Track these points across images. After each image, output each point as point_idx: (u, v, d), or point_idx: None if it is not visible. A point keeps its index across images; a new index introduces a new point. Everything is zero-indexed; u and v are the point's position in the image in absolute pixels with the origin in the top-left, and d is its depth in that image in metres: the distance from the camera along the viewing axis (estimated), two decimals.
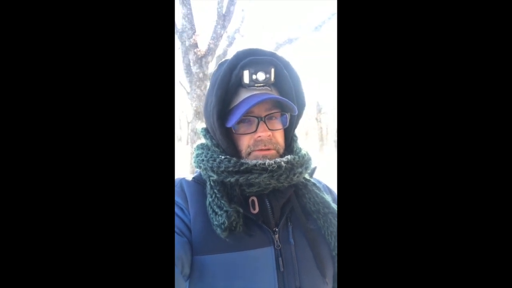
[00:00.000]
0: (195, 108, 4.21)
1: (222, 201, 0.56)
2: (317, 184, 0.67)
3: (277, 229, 0.58)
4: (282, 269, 0.55)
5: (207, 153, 0.62)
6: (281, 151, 0.62)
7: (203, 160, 0.61)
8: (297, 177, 0.60)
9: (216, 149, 0.62)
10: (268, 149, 0.59)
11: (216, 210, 0.55)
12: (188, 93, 4.25)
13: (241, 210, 0.56)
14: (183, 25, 4.14)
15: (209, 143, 0.64)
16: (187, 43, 4.10)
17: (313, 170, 0.67)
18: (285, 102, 0.58)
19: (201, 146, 0.66)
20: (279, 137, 0.62)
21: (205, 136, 0.65)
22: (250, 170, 0.57)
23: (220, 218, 0.54)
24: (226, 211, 0.54)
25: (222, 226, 0.53)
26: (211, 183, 0.59)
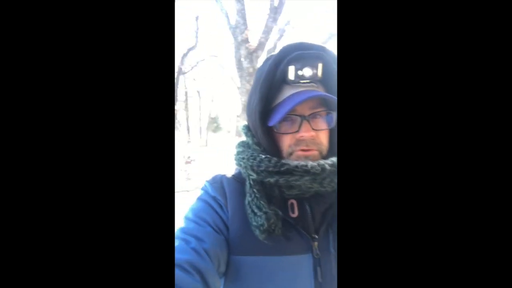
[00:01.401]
0: (244, 103, 4.31)
1: (262, 202, 0.54)
2: None
3: (316, 236, 0.55)
4: (320, 280, 0.52)
5: (248, 152, 0.60)
6: (325, 152, 0.59)
7: (243, 158, 0.60)
8: None
9: (257, 147, 0.60)
10: (310, 150, 0.56)
11: (255, 211, 0.53)
12: (238, 88, 4.37)
13: (280, 213, 0.54)
14: (236, 20, 4.22)
15: (250, 141, 0.62)
16: (239, 38, 4.19)
17: None
18: (332, 99, 0.54)
19: (242, 144, 0.65)
20: (324, 137, 0.58)
21: (246, 134, 0.64)
22: (291, 171, 0.54)
23: (259, 219, 0.52)
24: (266, 213, 0.52)
25: (261, 228, 0.52)
26: (251, 182, 0.57)
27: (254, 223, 0.53)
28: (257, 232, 0.52)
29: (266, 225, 0.51)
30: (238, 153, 0.63)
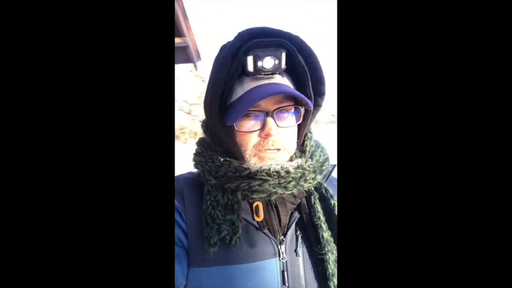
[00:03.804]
0: None
1: (217, 212, 0.50)
2: (332, 190, 0.58)
3: (284, 239, 0.52)
4: (287, 284, 0.50)
5: (207, 153, 0.54)
6: (293, 151, 0.54)
7: (201, 161, 0.54)
8: (309, 183, 0.53)
9: (217, 148, 0.54)
10: (276, 150, 0.52)
11: (209, 221, 0.49)
12: None
13: (237, 223, 0.49)
14: None
15: (209, 141, 0.56)
16: None
17: (330, 172, 0.59)
18: (298, 96, 0.48)
19: (202, 142, 0.58)
20: (291, 134, 0.53)
21: (205, 131, 0.57)
22: (253, 176, 0.50)
23: (210, 230, 0.48)
24: (218, 224, 0.48)
25: (211, 240, 0.48)
26: (209, 188, 0.53)
27: (205, 234, 0.49)
28: (206, 243, 0.48)
29: (216, 238, 0.48)
30: (197, 153, 0.57)
